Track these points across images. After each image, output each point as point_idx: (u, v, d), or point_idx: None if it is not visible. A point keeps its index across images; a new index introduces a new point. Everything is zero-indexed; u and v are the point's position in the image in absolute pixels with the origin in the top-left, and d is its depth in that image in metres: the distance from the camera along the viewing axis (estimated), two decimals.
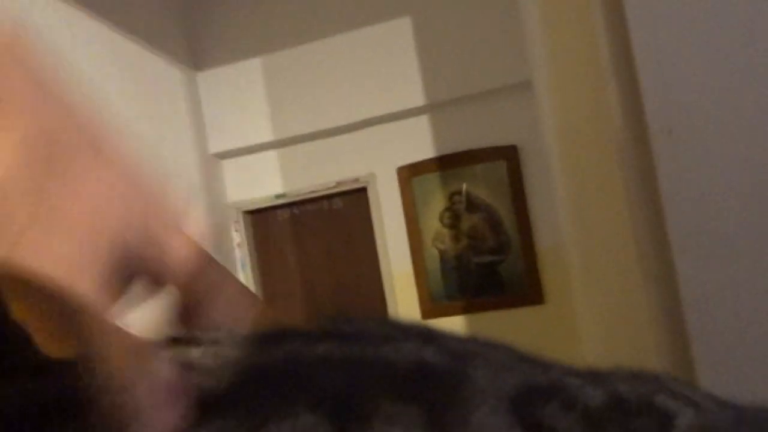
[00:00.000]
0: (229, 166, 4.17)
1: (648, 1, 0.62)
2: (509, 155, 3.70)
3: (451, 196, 3.79)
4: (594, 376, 0.30)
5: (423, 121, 3.83)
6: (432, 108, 3.77)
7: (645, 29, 0.62)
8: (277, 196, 4.08)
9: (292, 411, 0.26)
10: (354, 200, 4.02)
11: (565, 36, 1.43)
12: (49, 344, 0.26)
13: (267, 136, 3.98)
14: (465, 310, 3.77)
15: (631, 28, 0.62)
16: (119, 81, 3.29)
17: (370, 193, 3.94)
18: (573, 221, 1.81)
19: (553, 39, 1.50)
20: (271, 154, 4.09)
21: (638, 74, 0.62)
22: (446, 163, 3.78)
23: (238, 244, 4.12)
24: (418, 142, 3.82)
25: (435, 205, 3.81)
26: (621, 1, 0.64)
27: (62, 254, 0.23)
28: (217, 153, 4.08)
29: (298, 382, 0.27)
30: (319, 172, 3.99)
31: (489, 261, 3.76)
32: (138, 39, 3.49)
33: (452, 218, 3.79)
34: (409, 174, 3.84)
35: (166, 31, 3.84)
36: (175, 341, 0.29)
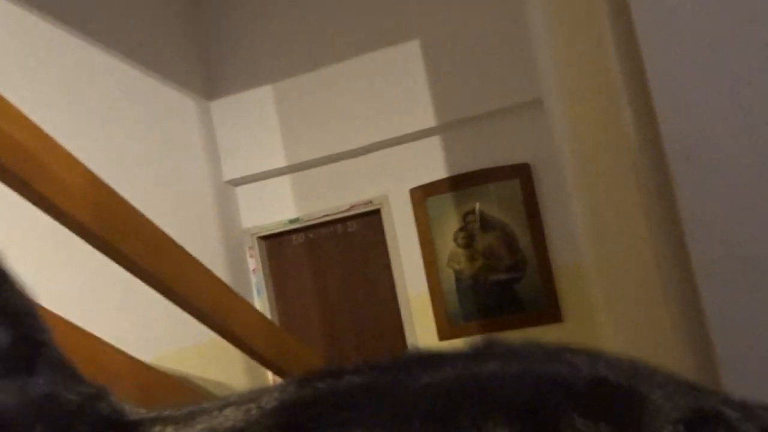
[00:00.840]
0: (243, 192, 4.20)
1: (659, 20, 0.62)
2: (522, 173, 3.69)
3: (465, 216, 3.78)
4: (744, 408, 0.30)
5: (435, 142, 3.84)
6: (443, 129, 3.78)
7: (658, 51, 0.62)
8: (292, 221, 4.10)
9: (486, 425, 0.26)
10: (368, 222, 4.02)
11: (574, 53, 1.43)
12: None
13: (280, 162, 4.01)
14: (483, 330, 3.73)
15: (644, 49, 0.62)
16: (134, 112, 3.34)
17: (384, 215, 3.94)
18: (591, 238, 1.80)
19: (563, 57, 1.50)
20: (285, 180, 4.12)
21: (653, 100, 0.62)
22: (459, 183, 3.77)
23: (254, 270, 4.13)
24: (431, 163, 3.83)
25: (449, 225, 3.80)
26: (631, 20, 0.64)
27: None
28: (231, 180, 4.11)
29: (483, 397, 0.27)
30: (333, 196, 4.00)
31: (505, 280, 3.73)
32: (151, 71, 3.54)
33: (467, 238, 3.78)
34: (423, 195, 3.84)
35: (178, 62, 3.90)
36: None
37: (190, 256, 1.08)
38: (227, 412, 0.29)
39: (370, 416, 0.26)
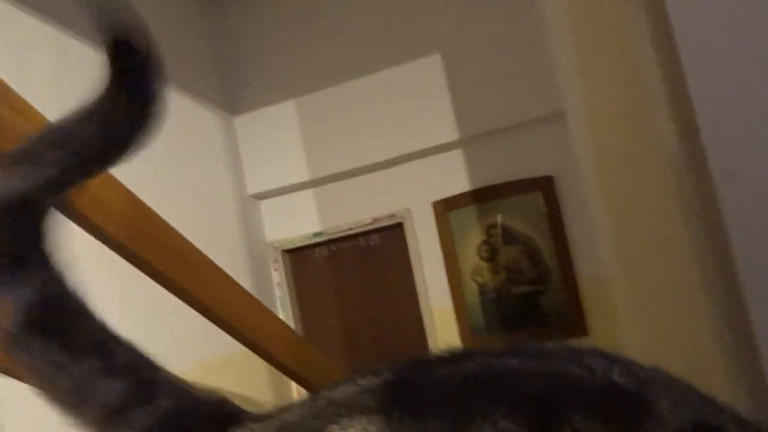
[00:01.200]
0: (267, 206, 4.24)
1: (700, 31, 0.61)
2: (545, 186, 3.68)
3: (488, 229, 3.77)
4: (757, 429, 0.31)
5: (457, 156, 3.84)
6: (465, 142, 3.79)
7: (699, 63, 0.61)
8: (315, 235, 4.12)
9: (492, 415, 0.29)
10: (391, 236, 4.03)
11: (601, 64, 1.43)
12: None
13: (303, 176, 4.05)
14: None
15: (684, 62, 0.61)
16: (160, 128, 3.39)
17: (407, 229, 3.94)
18: (615, 252, 1.78)
19: (588, 67, 1.50)
20: (308, 193, 4.15)
21: (695, 113, 0.61)
22: (482, 196, 3.77)
23: (278, 283, 4.16)
24: (453, 177, 3.83)
25: (472, 238, 3.80)
26: (670, 30, 0.63)
27: None
28: (255, 194, 4.15)
29: (495, 389, 0.31)
30: (356, 210, 4.02)
31: (529, 293, 3.70)
32: (177, 87, 3.61)
33: (490, 251, 3.77)
34: (445, 208, 3.84)
35: (204, 78, 3.97)
36: None
37: (221, 270, 1.09)
38: (294, 410, 0.36)
39: (392, 403, 0.31)
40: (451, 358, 0.35)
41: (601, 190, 1.88)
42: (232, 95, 4.18)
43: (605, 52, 1.42)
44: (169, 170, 3.35)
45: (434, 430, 0.29)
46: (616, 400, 0.30)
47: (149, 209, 0.90)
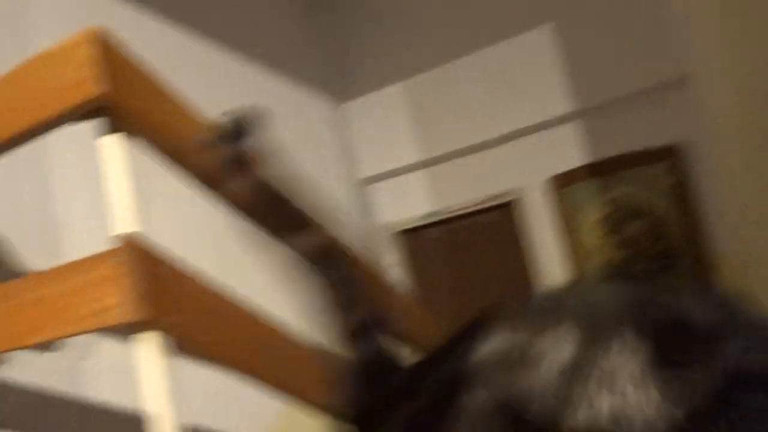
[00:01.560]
0: (379, 189, 4.29)
1: None
2: (669, 156, 3.47)
3: (608, 204, 3.61)
4: None
5: (573, 128, 3.70)
6: (581, 114, 3.64)
7: None
8: (428, 215, 4.14)
9: (557, 324, 0.37)
10: (505, 214, 3.96)
11: (743, 19, 1.33)
12: None
13: (414, 157, 4.06)
14: None
15: None
16: (270, 116, 3.53)
17: (522, 206, 3.87)
18: (758, 224, 1.65)
19: (728, 24, 1.39)
20: (419, 174, 4.16)
21: None
22: (600, 170, 3.61)
23: (392, 265, 4.22)
24: (569, 151, 3.70)
25: (591, 214, 3.66)
26: None
27: None
28: (367, 177, 4.22)
29: (565, 310, 0.39)
30: (468, 189, 3.99)
31: (654, 270, 3.52)
32: (287, 78, 3.73)
33: (611, 227, 3.61)
34: (562, 184, 3.72)
35: (313, 67, 4.07)
36: None
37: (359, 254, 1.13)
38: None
39: (507, 322, 0.44)
40: (571, 288, 0.49)
41: (742, 158, 1.76)
42: (341, 82, 4.26)
43: (748, 4, 1.32)
44: (282, 159, 3.48)
45: (528, 333, 0.39)
46: (680, 329, 0.33)
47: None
